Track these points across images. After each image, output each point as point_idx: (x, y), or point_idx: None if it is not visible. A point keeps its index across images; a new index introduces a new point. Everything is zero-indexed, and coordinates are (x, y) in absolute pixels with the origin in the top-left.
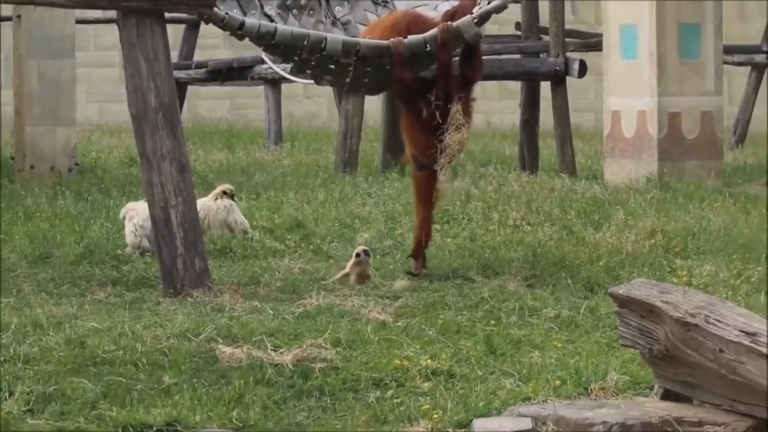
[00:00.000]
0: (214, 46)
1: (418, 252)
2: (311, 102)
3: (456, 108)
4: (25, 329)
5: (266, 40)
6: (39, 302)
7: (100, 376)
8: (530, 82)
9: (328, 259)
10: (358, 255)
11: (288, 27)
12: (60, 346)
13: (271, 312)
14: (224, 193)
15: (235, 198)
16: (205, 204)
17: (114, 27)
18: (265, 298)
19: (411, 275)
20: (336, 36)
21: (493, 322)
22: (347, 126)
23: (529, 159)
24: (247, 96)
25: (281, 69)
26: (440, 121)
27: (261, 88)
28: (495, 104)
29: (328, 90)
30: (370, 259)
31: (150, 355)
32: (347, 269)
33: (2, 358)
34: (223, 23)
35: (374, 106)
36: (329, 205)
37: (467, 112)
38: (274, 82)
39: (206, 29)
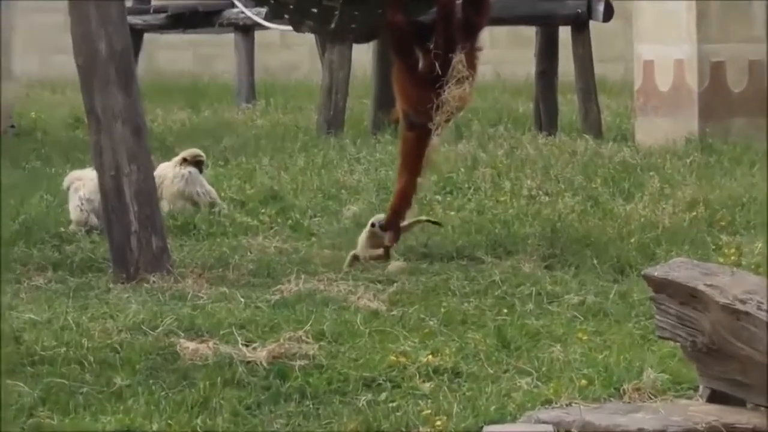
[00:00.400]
0: None
1: (392, 222)
2: (289, 52)
3: (458, 58)
4: None
5: None
6: None
7: (38, 378)
8: (547, 28)
9: (309, 237)
10: (373, 225)
11: None
12: None
13: (242, 300)
14: (185, 160)
15: (204, 166)
16: (161, 172)
17: None
18: (234, 284)
19: (384, 249)
20: None
21: (505, 310)
22: (332, 80)
23: (547, 117)
24: (214, 45)
25: (254, 13)
26: (439, 73)
27: (230, 37)
28: (506, 53)
29: (309, 38)
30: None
31: (98, 352)
32: (358, 247)
33: None
34: None
35: (363, 56)
36: (311, 173)
37: (471, 63)
38: (246, 29)
39: None
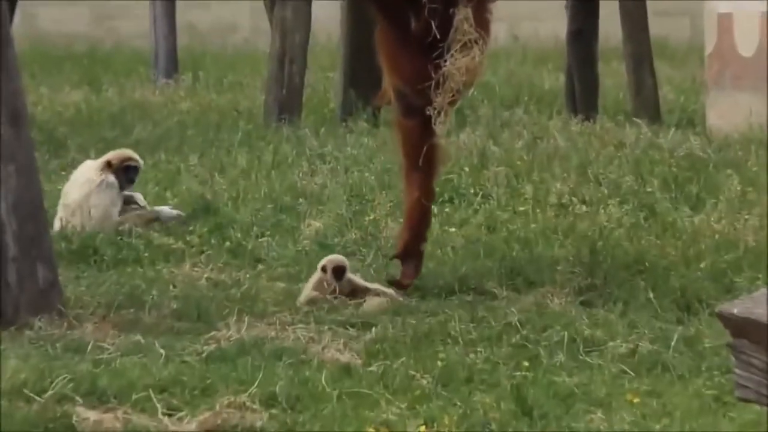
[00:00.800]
0: None
1: (410, 249)
2: (222, 7)
3: (463, 14)
4: None
5: None
6: None
7: None
8: None
9: (254, 265)
10: (324, 270)
11: None
12: None
13: (161, 352)
14: (108, 164)
15: (136, 175)
16: (88, 175)
17: None
18: (152, 330)
19: (397, 287)
20: None
21: (526, 363)
22: (284, 45)
23: (583, 95)
24: (115, 2)
25: None
26: (438, 36)
27: None
28: (523, 7)
29: None
30: (346, 275)
31: None
32: (309, 290)
33: None
34: None
35: (327, 11)
36: (256, 176)
37: (481, 22)
38: None
39: None
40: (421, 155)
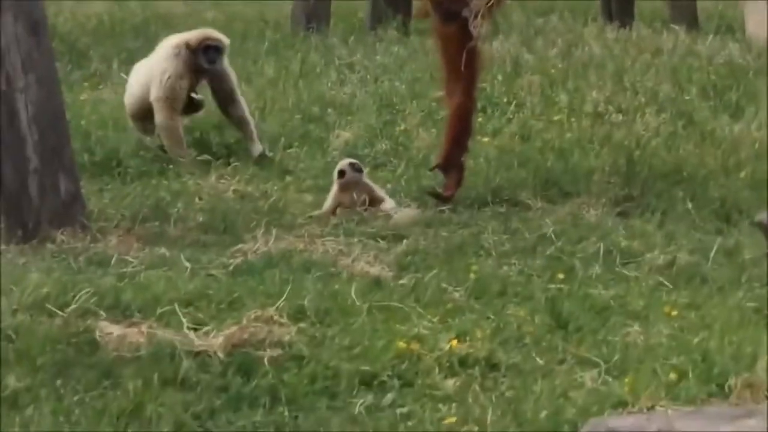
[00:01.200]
0: None
1: (451, 159)
2: None
3: None
4: None
5: None
6: None
7: None
8: None
9: (283, 177)
10: (341, 174)
11: None
12: None
13: (187, 265)
14: (187, 45)
15: (214, 56)
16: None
17: None
18: (177, 243)
19: (438, 199)
20: None
21: (561, 276)
22: None
23: (619, 1)
24: None
25: None
26: None
27: None
28: None
29: None
30: (364, 175)
31: None
32: (328, 202)
33: None
34: None
35: None
36: (284, 86)
37: None
38: None
39: None
40: (461, 62)
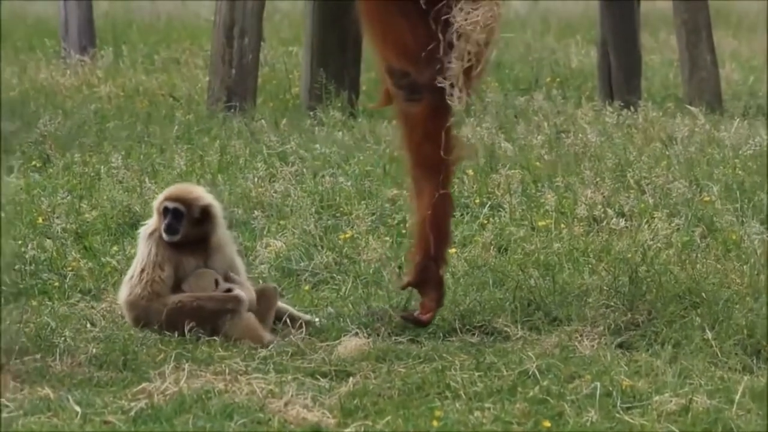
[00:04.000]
0: None
1: (426, 273)
2: None
3: None
4: None
5: None
6: None
7: None
8: None
9: None
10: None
11: None
12: None
13: (77, 410)
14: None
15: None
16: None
17: None
18: (64, 382)
19: (415, 324)
20: None
21: (547, 423)
22: (233, 12)
23: (622, 75)
24: None
25: None
26: None
27: None
28: None
29: None
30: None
31: None
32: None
33: None
34: None
35: None
36: (199, 181)
37: None
38: None
39: None
40: (430, 152)
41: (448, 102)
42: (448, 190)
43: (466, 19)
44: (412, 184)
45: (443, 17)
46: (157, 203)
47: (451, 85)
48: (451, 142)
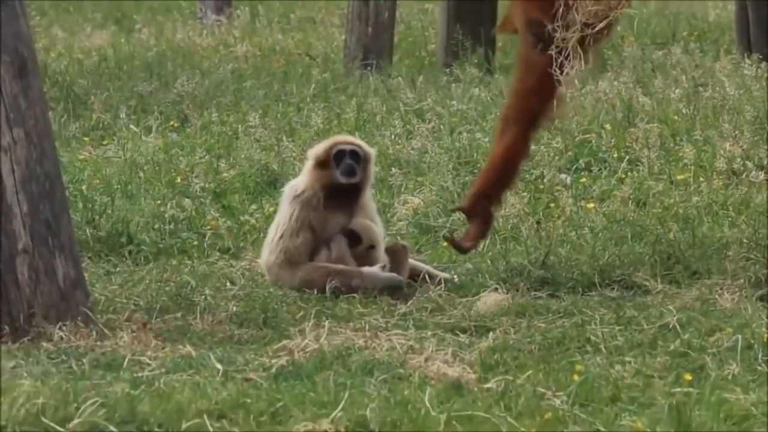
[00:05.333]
0: None
1: (479, 206)
2: None
3: None
4: None
5: None
6: None
7: None
8: None
9: None
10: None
11: None
12: None
13: (219, 367)
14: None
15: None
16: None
17: None
18: (205, 340)
19: (455, 248)
20: None
21: (688, 377)
22: None
23: (759, 26)
24: None
25: None
26: None
27: None
28: None
29: None
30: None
31: None
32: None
33: None
34: None
35: None
36: (336, 131)
37: None
38: None
39: None
40: (533, 97)
41: (568, 63)
42: (530, 139)
43: None
44: (501, 123)
45: None
46: (321, 152)
47: (558, 51)
48: (557, 102)
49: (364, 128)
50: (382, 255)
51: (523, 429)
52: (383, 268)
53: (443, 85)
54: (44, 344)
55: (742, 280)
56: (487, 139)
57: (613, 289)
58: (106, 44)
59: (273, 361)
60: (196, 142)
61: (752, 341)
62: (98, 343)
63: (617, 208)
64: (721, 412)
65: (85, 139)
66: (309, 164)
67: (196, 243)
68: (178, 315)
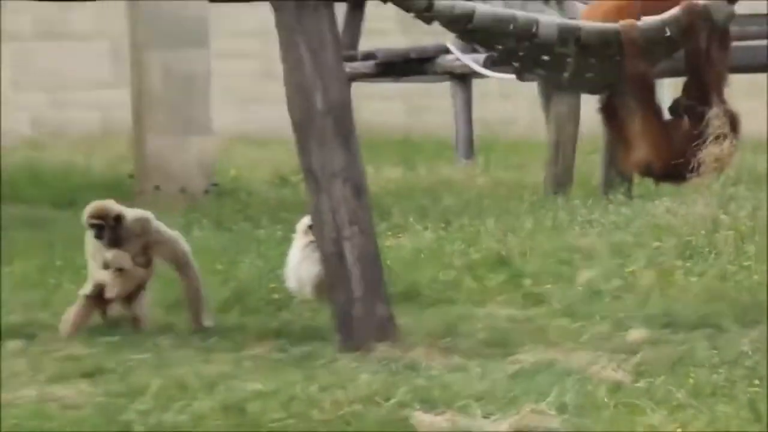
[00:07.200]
0: (384, 31)
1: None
2: (506, 103)
3: (715, 112)
4: (168, 392)
5: (461, 23)
6: (182, 359)
7: None
8: None
9: (539, 305)
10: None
11: (489, 7)
12: (215, 413)
13: (478, 370)
14: None
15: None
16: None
17: (254, 6)
18: (467, 354)
19: None
20: (550, 18)
21: (757, 381)
22: (559, 134)
23: None
24: (426, 96)
25: (472, 60)
26: (691, 127)
27: (444, 86)
28: (741, 104)
29: (526, 88)
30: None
31: (330, 425)
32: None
33: (143, 429)
34: (408, 2)
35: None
36: (540, 236)
37: (731, 119)
38: (464, 78)
39: (373, 10)
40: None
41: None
42: None
43: (708, 151)
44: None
45: (694, 145)
46: None
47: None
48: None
49: (556, 230)
50: None
51: (659, 411)
52: None
53: (603, 205)
54: (372, 355)
55: None
56: (630, 238)
57: (708, 329)
58: (399, 177)
59: (509, 366)
60: (456, 236)
61: None
62: (404, 354)
63: (708, 282)
64: (729, 405)
65: (389, 233)
66: None
67: (457, 295)
68: (449, 339)
